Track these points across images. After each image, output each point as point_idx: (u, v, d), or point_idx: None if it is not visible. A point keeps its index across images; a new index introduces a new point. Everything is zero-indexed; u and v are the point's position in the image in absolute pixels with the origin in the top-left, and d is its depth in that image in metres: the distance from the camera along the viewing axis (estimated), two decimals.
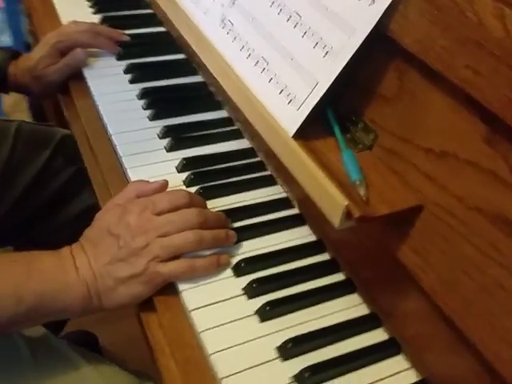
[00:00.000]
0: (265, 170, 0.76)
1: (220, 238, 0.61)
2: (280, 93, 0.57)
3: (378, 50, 0.52)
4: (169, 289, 0.60)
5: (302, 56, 0.56)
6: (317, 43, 0.54)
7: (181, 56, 0.99)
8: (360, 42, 0.50)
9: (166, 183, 0.66)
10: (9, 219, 1.01)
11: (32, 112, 1.96)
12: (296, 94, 0.55)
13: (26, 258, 0.59)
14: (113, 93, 0.88)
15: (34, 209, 1.04)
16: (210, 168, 0.74)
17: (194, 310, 0.57)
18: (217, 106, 0.87)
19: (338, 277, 0.62)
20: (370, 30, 0.50)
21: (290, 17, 0.58)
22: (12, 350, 0.64)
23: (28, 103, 2.05)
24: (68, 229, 1.11)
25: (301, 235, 0.67)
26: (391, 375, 0.54)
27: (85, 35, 0.94)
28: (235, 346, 0.54)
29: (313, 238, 0.66)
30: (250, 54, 0.62)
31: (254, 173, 0.75)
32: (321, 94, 0.53)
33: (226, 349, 0.54)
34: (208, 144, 0.79)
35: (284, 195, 0.72)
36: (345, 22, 0.52)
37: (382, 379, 0.54)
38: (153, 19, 1.10)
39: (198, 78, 0.94)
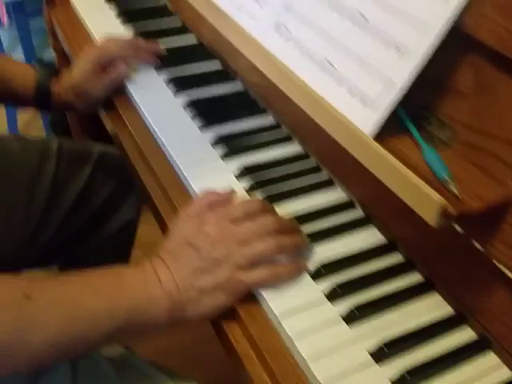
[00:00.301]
0: (321, 172, 0.76)
1: (297, 243, 0.61)
2: (352, 95, 0.57)
3: (449, 45, 0.52)
4: (249, 297, 0.60)
5: (373, 57, 0.56)
6: (389, 44, 0.54)
7: (217, 65, 0.99)
8: (436, 40, 0.50)
9: (234, 192, 0.66)
10: (56, 238, 1.01)
11: (53, 129, 1.96)
12: (371, 96, 0.55)
13: (113, 273, 0.59)
14: (159, 105, 0.88)
15: (78, 226, 1.04)
16: (269, 174, 0.74)
17: (284, 317, 0.57)
18: (262, 112, 0.87)
19: (415, 277, 0.62)
20: (445, 28, 0.50)
21: (355, 20, 0.58)
22: (98, 371, 0.64)
23: (42, 120, 2.06)
24: (110, 245, 1.12)
25: (369, 237, 0.67)
26: (483, 372, 0.54)
27: (125, 50, 0.95)
28: (329, 351, 0.54)
29: (382, 239, 0.66)
30: (312, 59, 0.62)
31: (312, 176, 0.75)
32: (399, 93, 0.53)
33: (320, 355, 0.54)
34: (260, 150, 0.79)
35: (345, 198, 0.72)
36: (418, 21, 0.52)
37: (474, 377, 0.54)
38: (183, 31, 1.11)
39: (237, 86, 0.94)
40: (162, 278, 0.58)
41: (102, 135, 1.15)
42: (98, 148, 1.08)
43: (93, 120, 1.49)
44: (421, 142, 0.54)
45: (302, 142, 0.80)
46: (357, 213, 0.70)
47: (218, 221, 0.60)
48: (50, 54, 1.63)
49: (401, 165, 0.50)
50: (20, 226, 0.94)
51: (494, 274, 0.53)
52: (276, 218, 0.62)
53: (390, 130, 0.57)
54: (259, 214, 0.62)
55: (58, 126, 1.88)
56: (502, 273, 0.52)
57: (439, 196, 0.46)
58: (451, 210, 0.46)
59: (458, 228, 0.54)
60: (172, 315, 0.58)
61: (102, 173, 1.05)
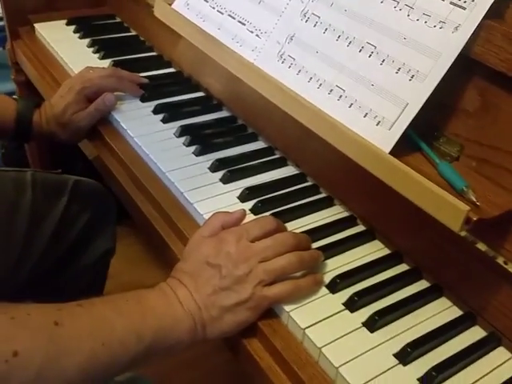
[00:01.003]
0: (319, 192, 0.80)
1: (315, 258, 0.64)
2: (365, 116, 0.62)
3: (456, 69, 0.58)
4: (268, 312, 0.62)
5: (384, 81, 0.61)
6: (399, 68, 0.60)
7: (200, 94, 1.03)
8: (447, 66, 0.56)
9: (244, 212, 0.68)
10: (34, 271, 0.98)
11: (5, 163, 1.90)
12: (384, 116, 0.60)
13: (135, 296, 0.59)
14: (150, 133, 0.90)
15: (56, 258, 1.02)
16: (272, 195, 0.77)
17: (308, 327, 0.59)
18: (253, 138, 0.91)
19: (424, 284, 0.66)
20: (456, 55, 0.56)
21: (363, 47, 0.63)
22: None
23: None
24: (87, 275, 1.10)
25: (374, 250, 0.71)
26: (497, 365, 0.58)
27: (109, 80, 0.96)
28: (356, 357, 0.56)
29: (386, 250, 0.71)
30: (321, 84, 0.66)
31: (312, 195, 0.79)
32: (413, 113, 0.58)
33: (349, 360, 0.56)
34: (259, 173, 0.82)
35: (345, 214, 0.76)
36: (428, 49, 0.58)
37: (489, 370, 0.58)
38: (160, 61, 1.13)
39: (224, 114, 0.97)
40: (181, 298, 0.59)
41: (63, 166, 1.15)
42: (71, 179, 1.06)
43: (52, 151, 1.47)
44: (433, 156, 0.59)
45: (297, 165, 0.83)
46: (358, 228, 0.74)
47: (238, 240, 0.62)
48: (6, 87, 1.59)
49: (424, 178, 0.54)
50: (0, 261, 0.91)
51: (500, 275, 0.58)
52: (293, 234, 0.64)
53: (400, 147, 0.61)
54: (275, 232, 0.64)
55: (10, 159, 1.82)
56: (509, 272, 0.57)
57: (464, 204, 0.51)
58: (474, 216, 0.51)
59: (463, 233, 0.59)
60: (194, 335, 0.58)
61: (77, 202, 1.04)
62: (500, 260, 0.57)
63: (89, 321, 0.54)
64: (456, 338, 0.60)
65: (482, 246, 0.59)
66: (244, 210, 0.68)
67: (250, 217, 0.73)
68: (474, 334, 0.61)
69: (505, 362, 0.59)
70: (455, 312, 0.63)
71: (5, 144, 1.65)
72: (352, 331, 0.59)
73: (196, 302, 0.59)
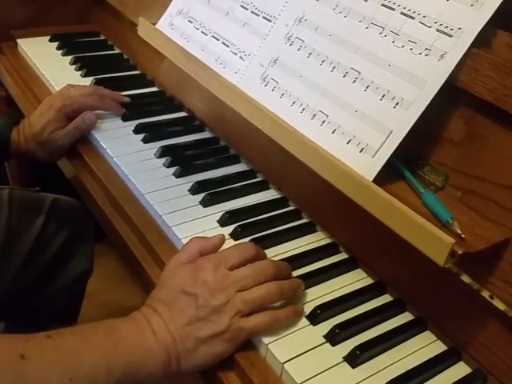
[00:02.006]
0: (301, 217, 0.78)
1: (295, 287, 0.62)
2: (348, 142, 0.60)
3: (442, 97, 0.57)
4: (246, 343, 0.59)
5: (368, 108, 0.59)
6: (384, 95, 0.58)
7: (182, 114, 1.01)
8: (433, 94, 0.55)
9: (223, 237, 0.66)
10: (8, 292, 0.95)
11: None
12: (368, 143, 0.58)
13: (106, 327, 0.56)
14: (130, 153, 0.88)
15: (31, 279, 0.99)
16: (253, 219, 0.75)
17: (287, 362, 0.56)
18: (235, 160, 0.89)
19: (407, 316, 0.64)
20: (442, 83, 0.54)
21: (347, 73, 0.62)
22: None
23: None
24: (63, 296, 1.07)
25: (357, 279, 0.69)
26: None
27: (90, 98, 0.94)
28: None
29: (369, 280, 0.69)
30: (304, 109, 0.65)
31: (294, 221, 0.77)
32: (397, 141, 0.56)
33: None
34: (240, 197, 0.80)
35: (328, 240, 0.74)
36: (413, 76, 0.56)
37: None
38: (143, 80, 1.12)
39: (206, 135, 0.95)
40: (155, 328, 0.56)
41: (44, 184, 1.12)
42: (50, 197, 1.03)
43: (32, 169, 1.45)
44: (417, 185, 0.58)
45: (279, 189, 0.82)
46: (341, 256, 0.72)
47: (216, 268, 0.59)
48: None
49: (408, 209, 0.52)
50: None
51: (485, 309, 0.56)
52: (273, 263, 0.62)
53: (384, 174, 0.60)
54: (255, 259, 0.62)
55: None
56: (494, 307, 0.55)
57: (450, 237, 0.49)
58: (459, 250, 0.49)
59: (448, 266, 0.57)
60: (168, 368, 0.56)
61: (55, 221, 1.01)
62: (485, 294, 0.56)
63: (56, 354, 0.52)
64: (440, 374, 0.58)
65: (466, 279, 0.57)
66: (223, 236, 0.66)
67: (230, 242, 0.71)
68: (459, 370, 0.59)
69: None
70: (440, 347, 0.61)
71: None
72: (333, 366, 0.57)
73: (171, 333, 0.56)
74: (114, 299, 1.49)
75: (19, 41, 1.21)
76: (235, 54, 0.76)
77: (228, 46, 0.76)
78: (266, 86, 0.70)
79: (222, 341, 0.57)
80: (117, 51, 1.22)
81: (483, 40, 0.54)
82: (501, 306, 0.54)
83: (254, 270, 0.60)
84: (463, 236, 0.52)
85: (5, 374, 0.47)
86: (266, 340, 0.58)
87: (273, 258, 0.68)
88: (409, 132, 0.58)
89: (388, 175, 0.60)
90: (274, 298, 0.59)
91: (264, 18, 0.72)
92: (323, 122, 0.63)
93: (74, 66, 1.14)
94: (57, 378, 0.50)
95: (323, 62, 0.65)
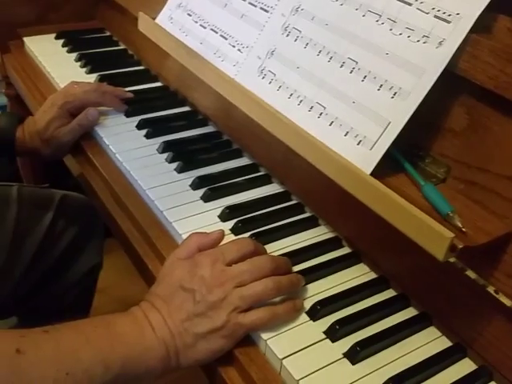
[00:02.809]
0: (304, 211, 0.77)
1: (294, 283, 0.61)
2: (346, 135, 0.59)
3: (442, 86, 0.55)
4: (245, 339, 0.59)
5: (366, 98, 0.58)
6: (381, 85, 0.57)
7: (186, 108, 1.00)
8: (431, 83, 0.53)
9: (223, 232, 0.65)
10: (18, 288, 0.96)
11: None
12: (366, 135, 0.57)
13: (104, 322, 0.56)
14: (133, 149, 0.87)
15: (40, 275, 1.00)
16: (254, 214, 0.74)
17: (286, 358, 0.55)
18: (237, 154, 0.88)
19: (411, 311, 0.63)
20: (440, 71, 0.52)
21: (344, 63, 0.60)
22: None
23: None
24: (72, 292, 1.07)
25: (359, 273, 0.67)
26: None
27: (92, 94, 0.94)
28: None
29: (372, 275, 0.67)
30: (301, 101, 0.63)
31: (296, 215, 0.75)
32: (395, 132, 0.55)
33: None
34: (242, 191, 0.79)
35: (330, 235, 0.73)
36: (411, 65, 0.55)
37: None
38: (147, 75, 1.11)
39: (209, 129, 0.94)
40: (154, 324, 0.56)
41: (57, 182, 1.13)
42: (58, 193, 1.04)
43: (44, 166, 1.46)
44: (417, 177, 0.56)
45: (282, 183, 0.80)
46: (344, 250, 0.71)
47: (213, 263, 0.58)
48: None
49: (406, 202, 0.51)
50: None
51: (491, 305, 0.55)
52: (271, 258, 0.61)
53: (383, 167, 0.58)
54: (253, 255, 0.61)
55: (4, 174, 1.80)
56: (500, 302, 0.54)
57: (449, 231, 0.48)
58: (457, 243, 0.48)
59: (452, 259, 0.55)
60: (167, 363, 0.55)
61: (64, 217, 1.02)
62: (491, 289, 0.54)
63: (53, 349, 0.51)
64: (444, 371, 0.57)
65: (471, 274, 0.55)
66: (222, 231, 0.65)
67: (231, 237, 0.71)
68: (464, 367, 0.57)
69: None
70: (444, 343, 0.59)
71: None
72: (332, 363, 0.56)
73: (169, 329, 0.56)
74: (127, 294, 1.49)
75: (25, 39, 1.22)
76: (233, 46, 0.75)
77: (226, 39, 0.75)
78: (263, 78, 0.68)
79: (220, 337, 0.56)
80: (121, 47, 1.22)
81: (482, 25, 0.52)
82: (506, 302, 0.52)
83: (252, 266, 0.59)
84: (464, 229, 0.50)
85: (0, 368, 0.47)
86: (265, 336, 0.57)
87: (274, 253, 0.67)
88: (409, 123, 0.56)
89: (387, 168, 0.58)
90: (272, 293, 0.58)
91: (261, 8, 0.71)
92: (320, 114, 0.61)
93: (79, 63, 1.14)
94: (53, 373, 0.49)
95: (320, 52, 0.63)
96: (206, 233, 0.65)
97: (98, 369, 0.51)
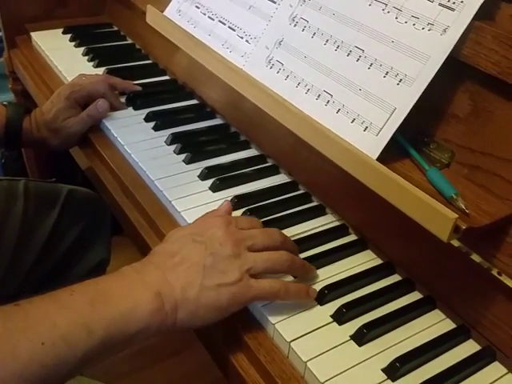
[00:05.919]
0: (311, 200, 0.78)
1: (306, 267, 0.62)
2: (352, 121, 0.60)
3: (446, 72, 0.56)
4: (254, 323, 0.60)
5: (372, 85, 0.59)
6: (387, 72, 0.58)
7: (194, 101, 1.01)
8: (436, 69, 0.54)
9: (229, 203, 0.67)
10: (25, 283, 0.96)
11: (5, 172, 1.89)
12: (372, 121, 0.58)
13: (82, 286, 0.53)
14: (141, 141, 0.88)
15: (47, 270, 1.00)
16: (261, 203, 0.75)
17: (294, 340, 0.56)
18: (245, 145, 0.89)
19: (416, 295, 0.64)
20: (444, 58, 0.54)
21: (351, 51, 0.62)
22: None
23: None
24: None
25: (366, 260, 0.68)
26: (491, 382, 0.56)
27: (100, 85, 0.95)
28: (343, 372, 0.54)
29: (378, 261, 0.68)
30: (309, 89, 0.65)
31: (304, 204, 0.77)
32: (401, 118, 0.56)
33: (335, 375, 0.54)
34: (250, 182, 0.80)
35: (337, 223, 0.74)
36: (416, 52, 0.56)
37: None
38: (155, 69, 1.12)
39: (217, 121, 0.95)
40: (146, 276, 0.53)
41: (62, 176, 1.14)
42: (65, 188, 1.05)
43: (50, 161, 1.47)
44: (422, 162, 0.57)
45: (290, 173, 0.81)
46: (350, 237, 0.72)
47: (226, 224, 0.58)
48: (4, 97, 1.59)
49: (411, 185, 0.52)
50: None
51: (494, 286, 0.56)
52: (281, 232, 0.62)
53: (389, 153, 0.59)
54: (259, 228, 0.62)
55: (11, 169, 1.82)
56: (503, 284, 0.55)
57: (453, 212, 0.49)
58: (463, 225, 0.49)
59: (456, 243, 0.56)
60: (163, 318, 0.52)
61: (70, 212, 1.02)
62: (494, 271, 0.55)
63: (24, 320, 0.48)
64: (449, 352, 0.58)
65: (476, 258, 0.56)
66: (228, 201, 0.67)
67: None
68: (468, 348, 0.59)
69: (500, 378, 0.56)
70: (448, 325, 0.61)
71: (5, 154, 1.65)
72: (339, 345, 0.57)
73: (168, 281, 0.53)
74: None
75: (33, 34, 1.23)
76: (241, 37, 0.76)
77: (234, 30, 0.76)
78: (271, 68, 0.70)
79: (228, 292, 0.54)
80: (129, 42, 1.23)
81: (486, 12, 0.53)
82: (509, 283, 0.54)
83: (263, 232, 0.60)
84: (468, 211, 0.51)
85: None
86: (273, 320, 0.59)
87: None
88: (414, 109, 0.57)
89: (393, 153, 0.60)
90: (285, 265, 0.59)
91: None
92: (328, 101, 0.62)
93: (86, 57, 1.15)
94: (27, 344, 0.46)
95: (327, 41, 0.64)
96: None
97: (78, 333, 0.48)
